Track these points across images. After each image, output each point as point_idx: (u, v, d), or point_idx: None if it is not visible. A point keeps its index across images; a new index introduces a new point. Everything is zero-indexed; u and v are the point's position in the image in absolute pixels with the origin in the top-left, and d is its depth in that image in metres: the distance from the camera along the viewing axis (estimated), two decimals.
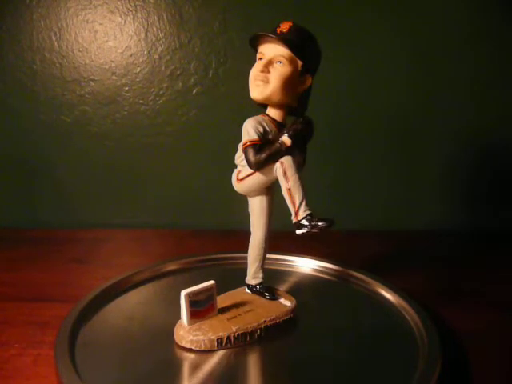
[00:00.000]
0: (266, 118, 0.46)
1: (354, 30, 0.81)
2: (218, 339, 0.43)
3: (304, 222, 0.42)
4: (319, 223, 0.41)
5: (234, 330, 0.44)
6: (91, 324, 0.48)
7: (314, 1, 0.80)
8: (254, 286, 0.51)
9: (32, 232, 0.83)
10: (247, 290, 0.51)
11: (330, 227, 0.41)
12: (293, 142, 0.43)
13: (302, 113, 0.47)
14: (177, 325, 0.46)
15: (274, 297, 0.50)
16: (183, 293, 0.44)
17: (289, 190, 0.43)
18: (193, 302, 0.44)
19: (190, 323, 0.45)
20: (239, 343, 0.44)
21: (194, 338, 0.43)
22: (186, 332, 0.44)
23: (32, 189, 0.88)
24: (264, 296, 0.50)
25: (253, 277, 0.51)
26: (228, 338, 0.44)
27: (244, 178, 0.46)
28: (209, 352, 0.44)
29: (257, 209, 0.48)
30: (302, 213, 0.42)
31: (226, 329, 0.44)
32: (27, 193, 0.88)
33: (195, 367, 0.42)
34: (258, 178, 0.45)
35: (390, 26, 0.81)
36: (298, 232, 0.42)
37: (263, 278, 0.51)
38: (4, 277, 0.64)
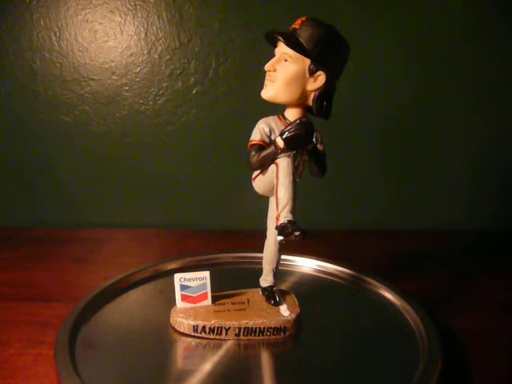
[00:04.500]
0: (279, 118, 0.45)
1: (355, 30, 0.80)
2: (194, 326, 0.46)
3: (282, 228, 0.40)
4: (295, 232, 0.39)
5: (213, 322, 0.46)
6: (91, 324, 0.48)
7: (315, 1, 0.79)
8: (263, 289, 0.50)
9: (32, 232, 0.83)
10: (260, 291, 0.51)
11: (302, 239, 0.39)
12: (286, 144, 0.42)
13: (325, 114, 0.44)
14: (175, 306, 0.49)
15: (276, 304, 0.49)
16: (176, 275, 0.47)
17: (276, 192, 0.42)
18: (184, 286, 0.47)
19: (180, 305, 0.48)
20: (214, 335, 0.46)
21: (178, 320, 0.47)
22: (176, 312, 0.47)
23: (32, 188, 0.88)
24: (268, 301, 0.49)
25: (263, 279, 0.50)
26: (204, 327, 0.46)
27: (255, 177, 0.46)
28: (209, 352, 0.44)
29: (269, 210, 0.48)
30: (282, 218, 0.41)
31: (206, 319, 0.46)
32: (27, 192, 0.88)
33: (196, 367, 0.42)
34: (263, 178, 0.45)
35: (391, 25, 0.81)
36: (278, 238, 0.41)
37: (273, 283, 0.50)
38: (4, 277, 0.64)
